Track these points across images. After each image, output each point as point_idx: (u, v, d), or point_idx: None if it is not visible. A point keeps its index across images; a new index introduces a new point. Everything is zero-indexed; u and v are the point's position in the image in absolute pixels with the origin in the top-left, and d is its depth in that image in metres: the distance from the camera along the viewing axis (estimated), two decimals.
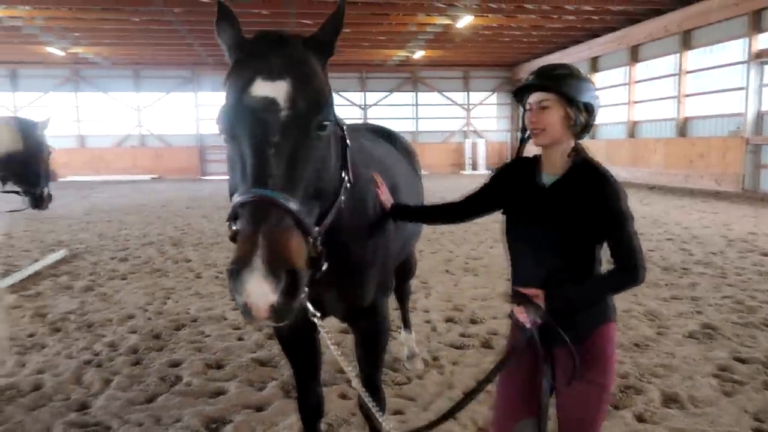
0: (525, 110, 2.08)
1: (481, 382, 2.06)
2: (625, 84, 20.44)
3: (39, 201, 4.61)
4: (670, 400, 3.61)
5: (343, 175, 1.82)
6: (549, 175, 2.07)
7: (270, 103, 1.56)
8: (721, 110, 16.34)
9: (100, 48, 22.10)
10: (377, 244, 2.37)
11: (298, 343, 2.47)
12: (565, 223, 1.97)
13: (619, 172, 14.26)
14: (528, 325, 1.98)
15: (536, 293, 1.96)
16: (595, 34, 20.75)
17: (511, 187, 2.17)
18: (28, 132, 4.55)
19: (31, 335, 5.01)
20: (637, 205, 12.87)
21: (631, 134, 20.31)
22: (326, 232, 2.08)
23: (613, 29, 19.75)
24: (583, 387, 1.99)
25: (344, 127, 1.83)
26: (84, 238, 10.07)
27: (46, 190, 4.66)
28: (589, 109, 2.00)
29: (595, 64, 22.29)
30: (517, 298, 2.02)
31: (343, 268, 2.26)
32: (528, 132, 2.08)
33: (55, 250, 8.56)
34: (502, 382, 2.18)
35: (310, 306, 1.81)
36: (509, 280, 2.24)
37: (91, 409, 3.61)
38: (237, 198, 1.52)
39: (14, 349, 4.65)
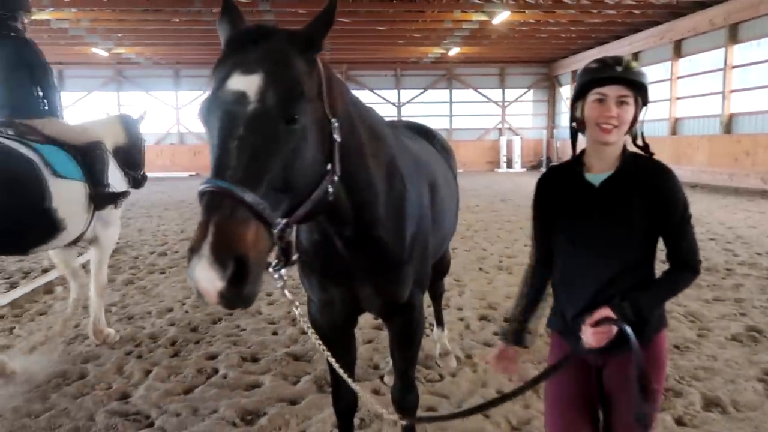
0: (580, 101, 1.94)
1: (523, 387, 2.00)
2: (667, 80, 19.85)
3: (138, 182, 5.30)
4: (711, 403, 3.51)
5: (328, 167, 1.80)
6: (596, 174, 1.96)
7: (239, 96, 1.58)
8: None
9: (142, 48, 22.63)
10: (416, 240, 2.36)
11: (335, 339, 2.49)
12: (626, 220, 1.89)
13: None
14: (600, 344, 1.83)
15: (607, 313, 1.82)
16: (636, 29, 20.19)
17: (557, 197, 2.05)
18: (130, 127, 5.25)
19: (76, 326, 5.19)
20: None
21: (673, 131, 19.74)
22: (360, 228, 2.10)
23: (655, 23, 19.18)
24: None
25: (333, 121, 1.81)
26: (125, 233, 10.34)
27: (142, 174, 5.39)
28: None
29: (635, 60, 21.65)
30: (601, 322, 1.82)
31: (380, 264, 2.27)
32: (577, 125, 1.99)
33: None
34: (554, 394, 2.10)
35: (288, 294, 1.83)
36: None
37: (132, 398, 3.72)
38: (198, 188, 1.57)
39: (60, 339, 4.83)
